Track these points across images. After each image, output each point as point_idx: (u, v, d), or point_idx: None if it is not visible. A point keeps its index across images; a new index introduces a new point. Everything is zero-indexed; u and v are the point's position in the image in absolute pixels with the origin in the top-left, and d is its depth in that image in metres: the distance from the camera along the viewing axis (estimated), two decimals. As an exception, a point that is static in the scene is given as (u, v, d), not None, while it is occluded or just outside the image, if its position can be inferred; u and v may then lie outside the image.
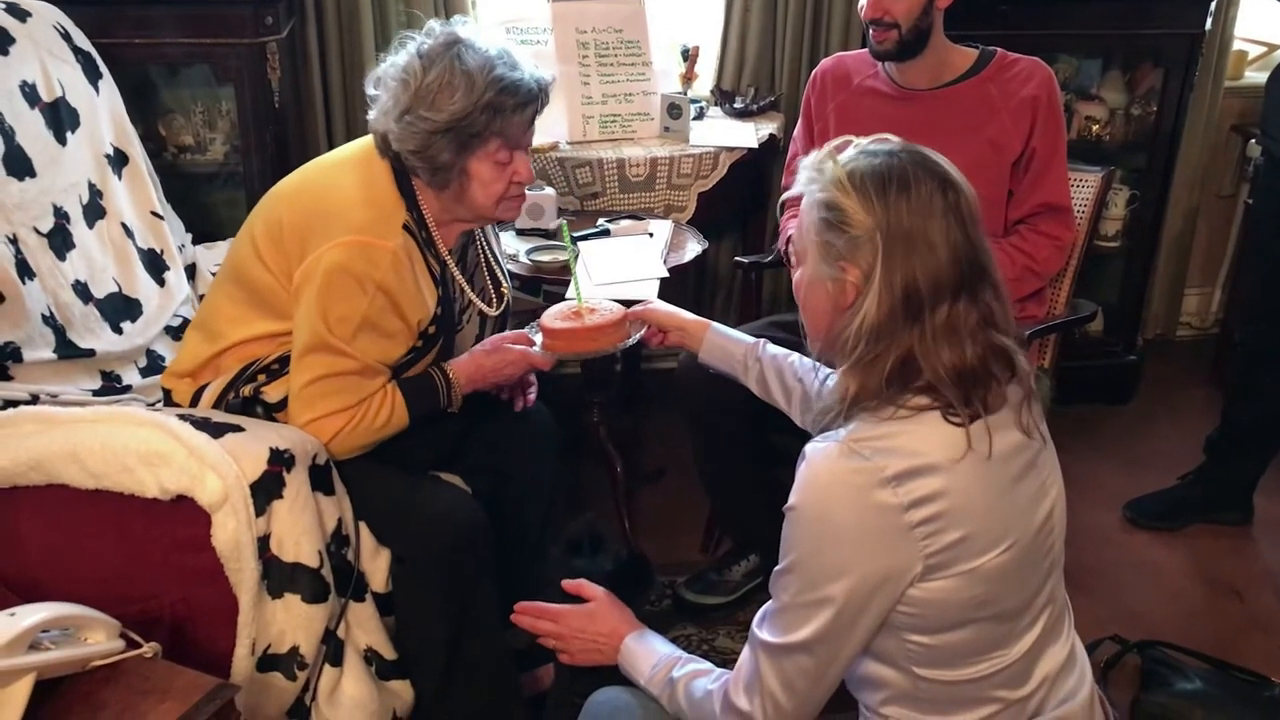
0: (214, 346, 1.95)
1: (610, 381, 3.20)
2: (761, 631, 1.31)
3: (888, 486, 1.20)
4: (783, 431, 2.00)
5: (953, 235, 1.23)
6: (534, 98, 1.85)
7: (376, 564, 1.92)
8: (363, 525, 1.91)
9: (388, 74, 1.84)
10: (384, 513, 1.91)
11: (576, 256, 2.02)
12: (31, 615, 1.43)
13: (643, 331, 1.95)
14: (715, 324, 1.93)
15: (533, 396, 2.15)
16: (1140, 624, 2.48)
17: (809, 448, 1.27)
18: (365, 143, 1.93)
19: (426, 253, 1.90)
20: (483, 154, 1.84)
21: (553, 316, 1.96)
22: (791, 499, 1.26)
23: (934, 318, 1.23)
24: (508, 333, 2.04)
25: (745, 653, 1.35)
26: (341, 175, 1.90)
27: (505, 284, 2.12)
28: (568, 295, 2.39)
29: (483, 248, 2.09)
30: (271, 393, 1.91)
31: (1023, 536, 1.27)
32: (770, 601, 1.32)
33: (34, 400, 1.95)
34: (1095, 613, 2.47)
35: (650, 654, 1.49)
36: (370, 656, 1.90)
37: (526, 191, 2.71)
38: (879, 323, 1.23)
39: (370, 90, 1.87)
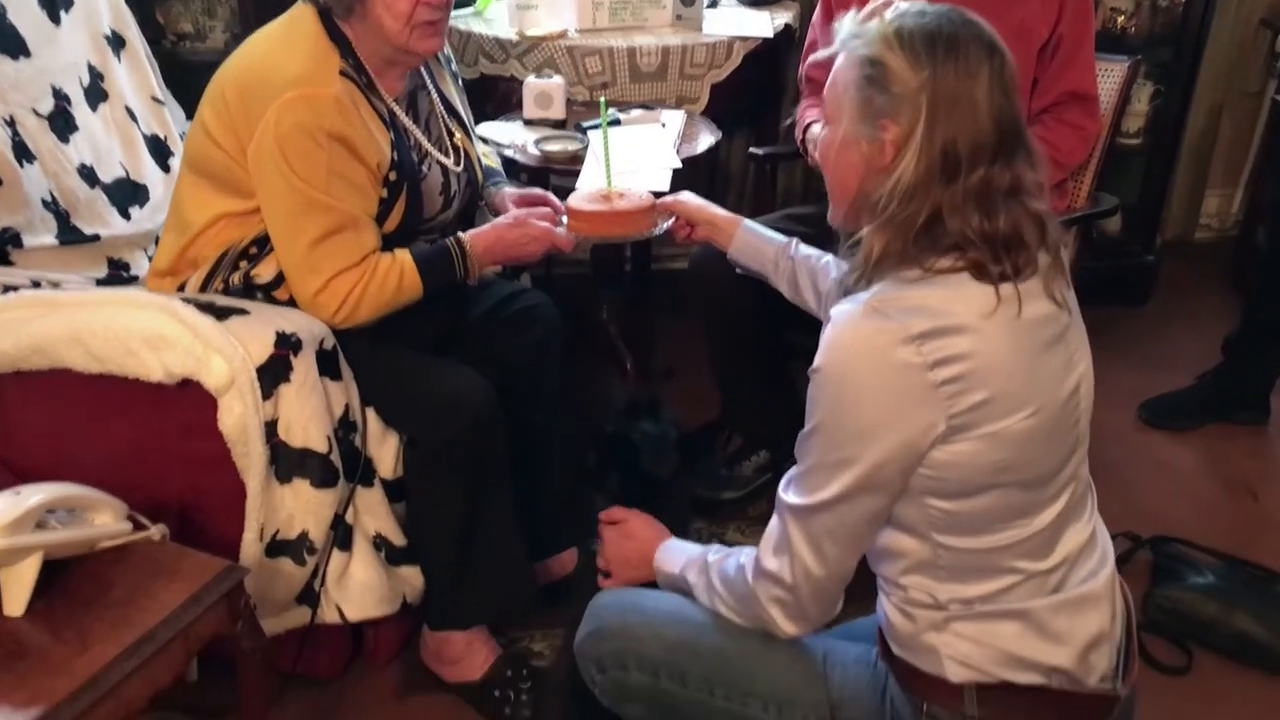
0: (185, 237, 1.92)
1: (620, 280, 3.16)
2: (788, 494, 1.32)
3: (911, 345, 1.20)
4: (796, 328, 1.96)
5: (995, 98, 1.22)
6: None
7: (384, 450, 1.91)
8: (370, 411, 1.89)
9: None
10: (397, 395, 1.89)
11: (608, 135, 1.98)
12: (37, 494, 1.44)
13: (670, 222, 1.91)
14: (747, 221, 1.89)
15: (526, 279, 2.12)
16: (1154, 522, 2.46)
17: (834, 310, 1.27)
18: (295, 6, 1.90)
19: (370, 96, 1.86)
20: None
21: (580, 198, 1.94)
22: (816, 361, 1.26)
23: (968, 180, 1.22)
24: (535, 208, 2.01)
25: (773, 519, 1.35)
26: (272, 40, 1.88)
27: (459, 134, 2.07)
28: (578, 185, 2.34)
29: (435, 97, 2.05)
30: (262, 272, 1.88)
31: (1048, 405, 1.26)
32: (795, 465, 1.32)
33: (35, 286, 1.92)
34: (1108, 510, 2.35)
35: (682, 551, 1.53)
36: (379, 542, 1.90)
37: (534, 80, 2.67)
38: (915, 182, 1.22)
39: None
